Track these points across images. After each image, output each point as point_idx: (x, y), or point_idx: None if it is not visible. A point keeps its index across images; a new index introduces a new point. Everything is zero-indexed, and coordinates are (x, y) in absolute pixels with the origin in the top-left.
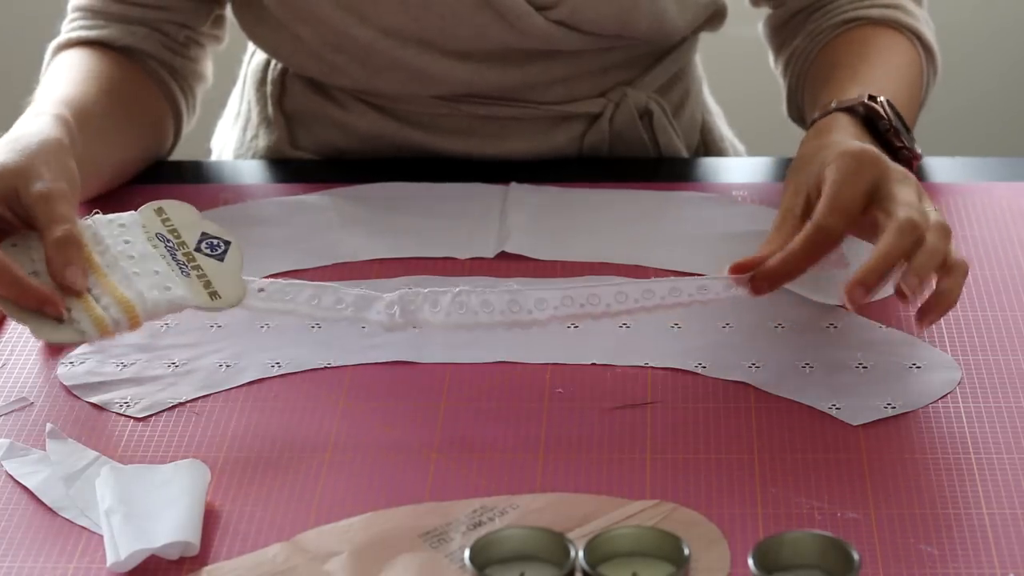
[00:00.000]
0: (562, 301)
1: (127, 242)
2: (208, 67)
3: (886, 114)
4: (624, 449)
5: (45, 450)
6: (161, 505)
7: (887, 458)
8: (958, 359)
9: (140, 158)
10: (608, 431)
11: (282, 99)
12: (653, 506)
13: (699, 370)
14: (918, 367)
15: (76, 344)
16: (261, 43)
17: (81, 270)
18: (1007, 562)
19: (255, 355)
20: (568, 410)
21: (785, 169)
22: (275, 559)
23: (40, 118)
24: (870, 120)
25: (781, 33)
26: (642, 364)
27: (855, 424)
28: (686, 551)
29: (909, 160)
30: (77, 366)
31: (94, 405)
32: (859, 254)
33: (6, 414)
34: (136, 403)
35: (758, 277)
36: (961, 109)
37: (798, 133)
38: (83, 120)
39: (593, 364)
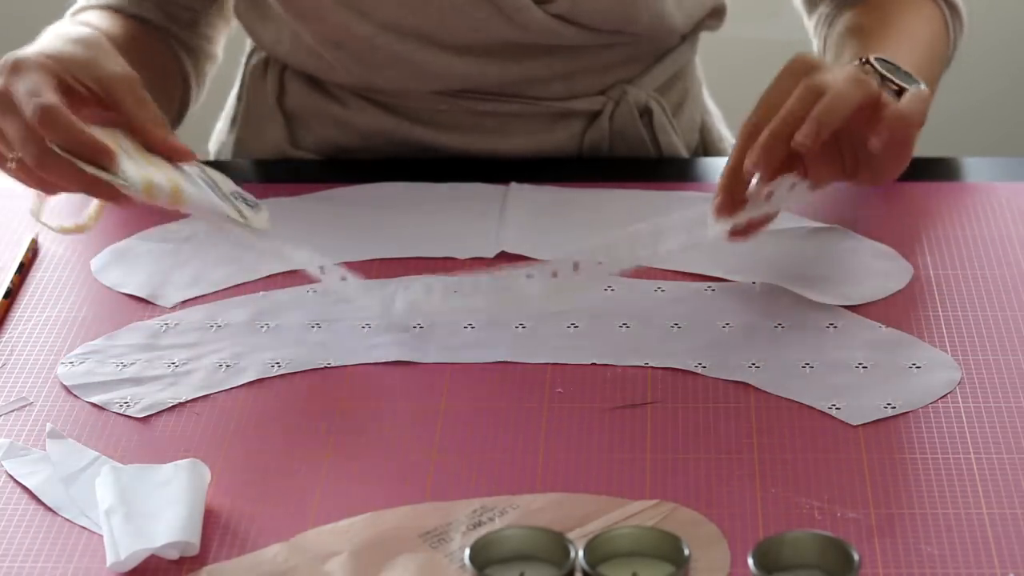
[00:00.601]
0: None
1: (180, 166)
2: (218, 47)
3: (876, 71)
4: (624, 449)
5: (45, 450)
6: (161, 505)
7: (887, 458)
8: (958, 359)
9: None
10: (608, 431)
11: (281, 98)
12: (653, 506)
13: (699, 370)
14: (918, 367)
15: (116, 190)
16: (261, 40)
17: (177, 140)
18: (1007, 562)
19: (255, 355)
20: (568, 410)
21: None
22: (275, 559)
23: (84, 27)
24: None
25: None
26: (642, 364)
27: (855, 424)
28: (686, 551)
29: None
30: (77, 366)
31: (94, 405)
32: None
33: (6, 414)
34: (136, 403)
35: (719, 200)
36: (962, 109)
37: None
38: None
39: (593, 364)
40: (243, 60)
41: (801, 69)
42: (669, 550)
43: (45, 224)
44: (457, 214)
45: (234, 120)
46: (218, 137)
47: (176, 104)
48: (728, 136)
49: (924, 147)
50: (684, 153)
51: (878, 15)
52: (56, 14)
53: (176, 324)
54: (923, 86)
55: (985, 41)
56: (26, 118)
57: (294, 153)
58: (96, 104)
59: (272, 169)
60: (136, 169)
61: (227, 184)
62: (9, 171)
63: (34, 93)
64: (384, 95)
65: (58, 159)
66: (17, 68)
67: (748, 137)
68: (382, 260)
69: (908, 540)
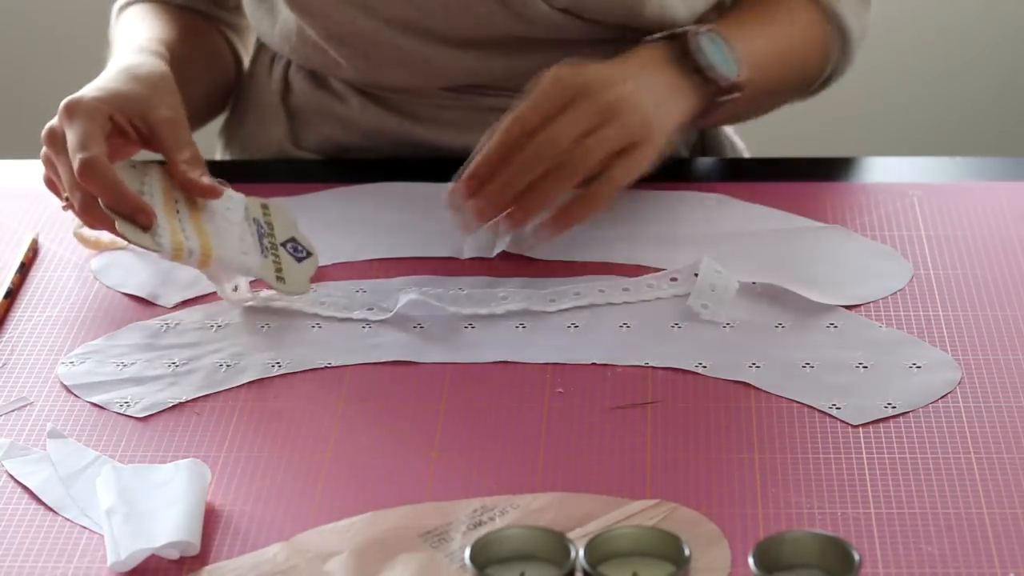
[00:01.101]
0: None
1: (227, 209)
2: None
3: (691, 38)
4: (624, 449)
5: (45, 450)
6: (161, 505)
7: (887, 458)
8: (958, 359)
9: (216, 103)
10: (608, 431)
11: (286, 96)
12: (653, 506)
13: (699, 370)
14: (918, 367)
15: (150, 250)
16: (267, 36)
17: (210, 178)
18: (1007, 562)
19: (255, 355)
20: (568, 410)
21: (783, 169)
22: (275, 559)
23: (143, 55)
24: (679, 45)
25: None
26: (642, 364)
27: (855, 424)
28: (686, 551)
29: (712, 80)
30: (77, 366)
31: (94, 405)
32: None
33: (6, 414)
34: (136, 403)
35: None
36: (962, 109)
37: (799, 132)
38: (175, 60)
39: (593, 364)
40: (248, 58)
41: (559, 97)
42: (669, 550)
43: (81, 238)
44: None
45: (238, 118)
46: (222, 135)
47: (230, 82)
48: (729, 133)
49: (924, 147)
50: (683, 152)
51: (755, 9)
52: (56, 15)
53: (176, 324)
54: (738, 73)
55: (985, 41)
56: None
57: (295, 152)
58: (143, 144)
59: (272, 169)
60: (169, 231)
61: (286, 231)
62: (64, 206)
63: (82, 143)
64: (388, 92)
65: (99, 210)
66: (71, 112)
67: (500, 150)
68: (382, 260)
69: (908, 540)
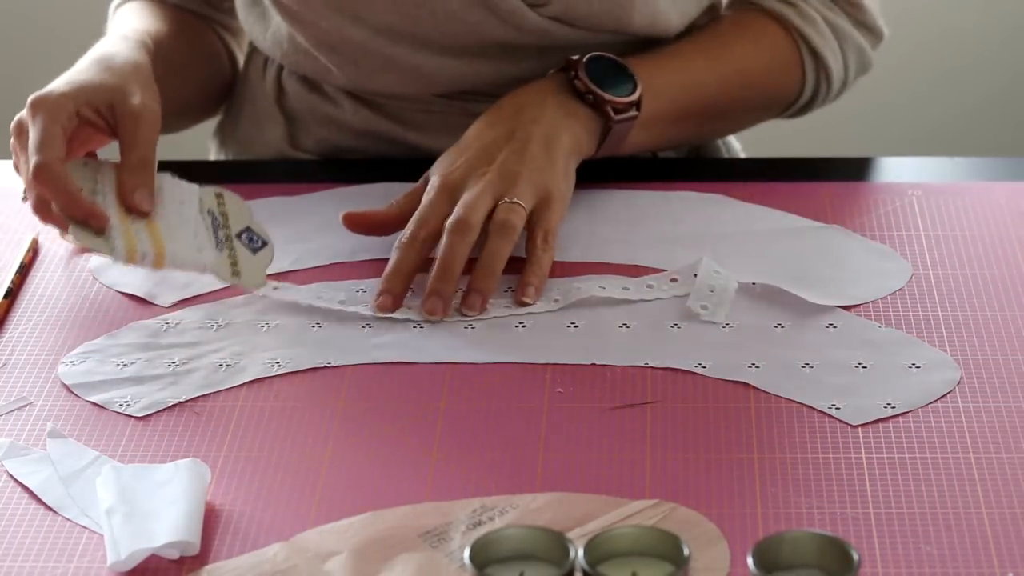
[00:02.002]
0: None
1: (181, 203)
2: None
3: (575, 65)
4: (624, 449)
5: (45, 450)
6: (161, 505)
7: (887, 458)
8: (958, 359)
9: (207, 101)
10: (608, 431)
11: (281, 98)
12: (653, 506)
13: (699, 370)
14: (918, 367)
15: (103, 255)
16: (260, 41)
17: (149, 194)
18: (1007, 562)
19: (255, 354)
20: (568, 410)
21: (782, 169)
22: (275, 559)
23: (127, 41)
24: (565, 73)
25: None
26: (642, 364)
27: (855, 424)
28: (686, 551)
29: (598, 104)
30: (77, 365)
31: (94, 404)
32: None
33: (6, 414)
34: (136, 402)
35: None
36: (962, 109)
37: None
38: (162, 54)
39: (593, 364)
40: (243, 59)
41: (443, 196)
42: (669, 550)
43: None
44: None
45: (234, 118)
46: (218, 135)
47: (226, 81)
48: (727, 137)
49: (924, 147)
50: (679, 153)
51: (716, 27)
52: (59, 13)
53: (176, 323)
54: (633, 95)
55: (985, 42)
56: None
57: (293, 153)
58: (111, 135)
59: (272, 169)
60: (122, 234)
61: (241, 220)
62: (23, 198)
63: (39, 144)
64: (379, 97)
65: (52, 212)
66: (35, 109)
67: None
68: (382, 260)
69: (908, 540)
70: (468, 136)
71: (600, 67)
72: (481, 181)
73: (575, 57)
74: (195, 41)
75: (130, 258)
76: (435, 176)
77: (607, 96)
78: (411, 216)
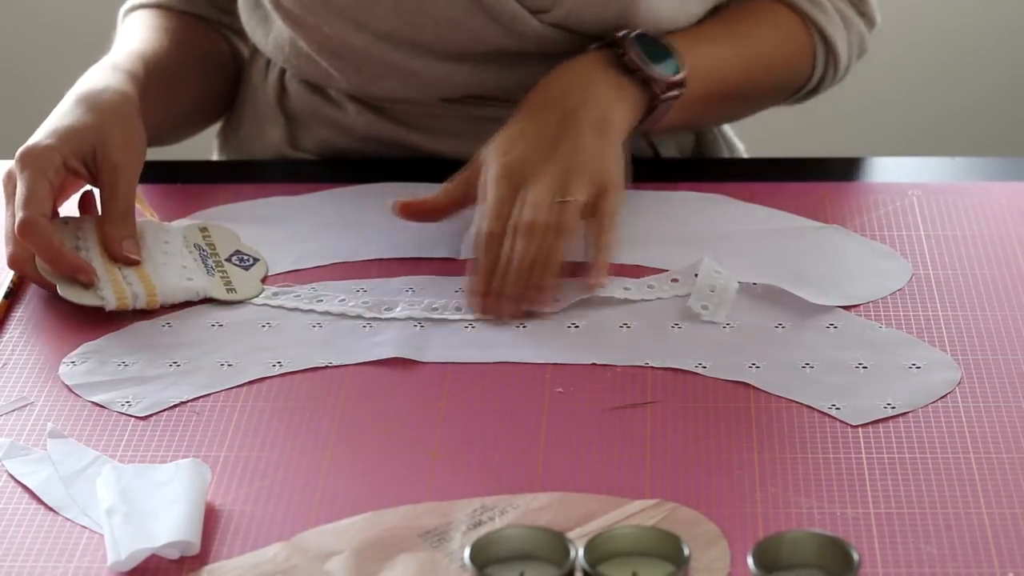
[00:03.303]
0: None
1: (165, 243)
2: None
3: (623, 43)
4: (624, 449)
5: (46, 450)
6: (162, 504)
7: (887, 458)
8: (958, 359)
9: (212, 107)
10: (608, 431)
11: (282, 99)
12: (653, 506)
13: (699, 370)
14: (918, 367)
15: (94, 306)
16: (263, 45)
17: (135, 242)
18: (1007, 562)
19: (256, 354)
20: (568, 410)
21: (783, 169)
22: (275, 559)
23: (115, 73)
24: (612, 50)
25: None
26: (642, 364)
27: (855, 424)
28: (686, 551)
29: (647, 81)
30: (78, 365)
31: (95, 404)
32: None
33: (7, 414)
34: (137, 402)
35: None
36: (962, 109)
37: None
38: (157, 72)
39: (593, 364)
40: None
41: (508, 186)
42: (669, 550)
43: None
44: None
45: (236, 119)
46: (221, 134)
47: (233, 86)
48: (729, 133)
49: (924, 147)
50: (681, 155)
51: (736, 12)
52: (60, 12)
53: (177, 323)
54: (678, 71)
55: (985, 41)
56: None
57: (293, 154)
58: (92, 181)
59: (272, 169)
60: (110, 283)
61: (229, 246)
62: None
63: (25, 200)
64: (382, 101)
65: (33, 266)
66: (23, 163)
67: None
68: (382, 260)
69: (908, 540)
70: (520, 119)
71: (645, 44)
72: (541, 177)
73: (620, 34)
74: (200, 49)
75: (121, 304)
76: (494, 164)
77: (657, 74)
78: (464, 201)
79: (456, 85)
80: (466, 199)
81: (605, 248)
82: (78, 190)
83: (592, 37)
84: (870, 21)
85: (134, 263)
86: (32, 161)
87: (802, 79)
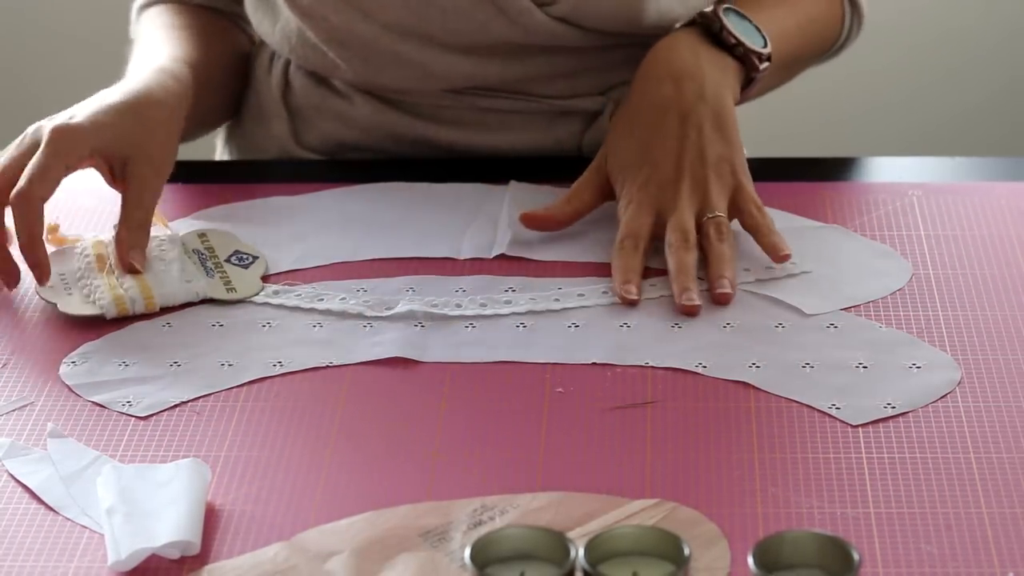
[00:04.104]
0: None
1: (162, 250)
2: None
3: (718, 18)
4: (624, 449)
5: (46, 449)
6: (162, 504)
7: (887, 458)
8: (958, 359)
9: (235, 104)
10: (608, 431)
11: (287, 93)
12: (653, 505)
13: (699, 370)
14: (918, 367)
15: (91, 315)
16: (268, 36)
17: (143, 253)
18: (1007, 562)
19: (256, 354)
20: (568, 410)
21: (783, 169)
22: (275, 558)
23: (170, 81)
24: (707, 27)
25: None
26: (642, 364)
27: (855, 424)
28: (686, 551)
29: (745, 56)
30: (79, 365)
31: (95, 404)
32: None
33: (7, 413)
34: (137, 402)
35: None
36: (962, 109)
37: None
38: (203, 78)
39: (593, 364)
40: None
41: (649, 213)
42: (669, 549)
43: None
44: (457, 214)
45: (240, 114)
46: (224, 130)
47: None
48: None
49: (924, 147)
50: None
51: None
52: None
53: (177, 323)
54: (767, 46)
55: (985, 41)
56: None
57: (296, 150)
58: (111, 182)
59: (273, 168)
60: (107, 289)
61: (228, 248)
62: None
63: (34, 174)
64: (388, 92)
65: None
66: (53, 136)
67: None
68: (382, 260)
69: (908, 540)
70: (638, 118)
71: (736, 18)
72: (679, 201)
73: (710, 9)
74: (223, 47)
75: (121, 309)
76: (629, 194)
77: (754, 48)
78: (587, 210)
79: (461, 76)
80: (589, 207)
81: (768, 231)
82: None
83: (598, 31)
84: None
85: (136, 272)
86: (60, 139)
87: (837, 35)
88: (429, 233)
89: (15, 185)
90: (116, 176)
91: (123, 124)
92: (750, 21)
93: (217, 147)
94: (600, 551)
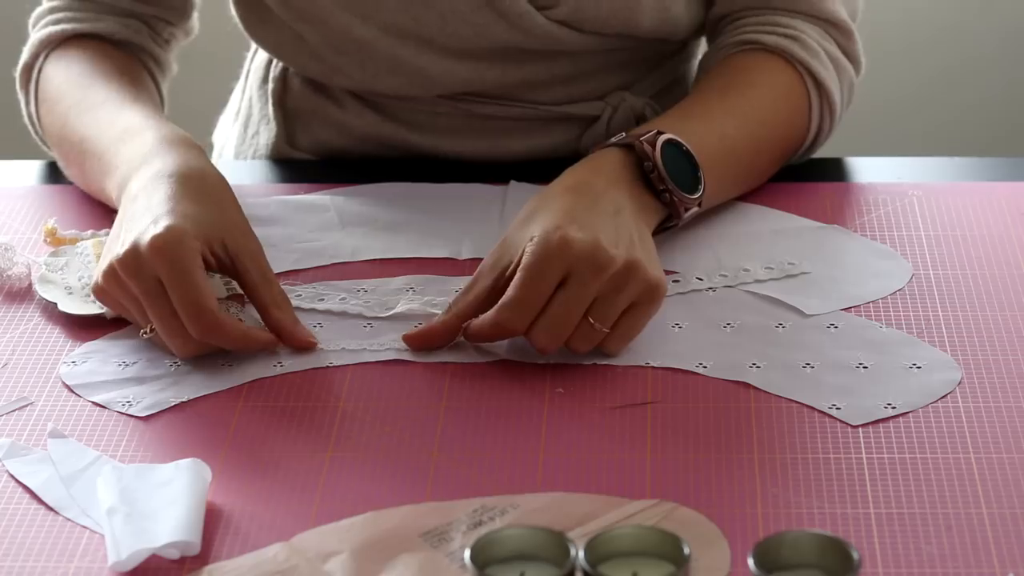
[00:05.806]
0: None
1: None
2: (175, 61)
3: (652, 156)
4: (624, 449)
5: (46, 450)
6: (162, 505)
7: (887, 458)
8: (958, 359)
9: None
10: (608, 431)
11: (283, 97)
12: (653, 506)
13: (699, 370)
14: (918, 367)
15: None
16: (263, 43)
17: (302, 325)
18: (1007, 562)
19: (256, 354)
20: (568, 410)
21: (782, 169)
22: (275, 559)
23: (193, 152)
24: (640, 159)
25: (709, 37)
26: (642, 364)
27: (855, 424)
28: (686, 551)
29: (671, 203)
30: (79, 365)
31: (95, 404)
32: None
33: (7, 414)
34: (138, 402)
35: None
36: (962, 109)
37: None
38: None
39: (593, 364)
40: (248, 56)
41: (558, 264)
42: (669, 550)
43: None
44: (457, 214)
45: (236, 116)
46: (220, 132)
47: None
48: None
49: (924, 147)
50: None
51: (731, 80)
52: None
53: None
54: (699, 190)
55: (984, 42)
56: (184, 323)
57: (291, 153)
58: (220, 269)
59: (272, 169)
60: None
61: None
62: (141, 336)
63: (195, 296)
64: (384, 99)
65: (202, 347)
66: (167, 252)
67: (494, 328)
68: (382, 260)
69: (908, 540)
70: (540, 201)
71: (670, 155)
72: (579, 277)
73: (650, 134)
74: (152, 88)
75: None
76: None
77: (683, 197)
78: (466, 317)
79: (460, 81)
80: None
81: (609, 344)
82: None
83: (597, 35)
84: (857, 64)
85: (312, 346)
86: (175, 250)
87: (803, 133)
88: (429, 233)
89: (183, 323)
90: (219, 261)
91: (204, 210)
92: (689, 158)
93: (211, 153)
94: (600, 551)
